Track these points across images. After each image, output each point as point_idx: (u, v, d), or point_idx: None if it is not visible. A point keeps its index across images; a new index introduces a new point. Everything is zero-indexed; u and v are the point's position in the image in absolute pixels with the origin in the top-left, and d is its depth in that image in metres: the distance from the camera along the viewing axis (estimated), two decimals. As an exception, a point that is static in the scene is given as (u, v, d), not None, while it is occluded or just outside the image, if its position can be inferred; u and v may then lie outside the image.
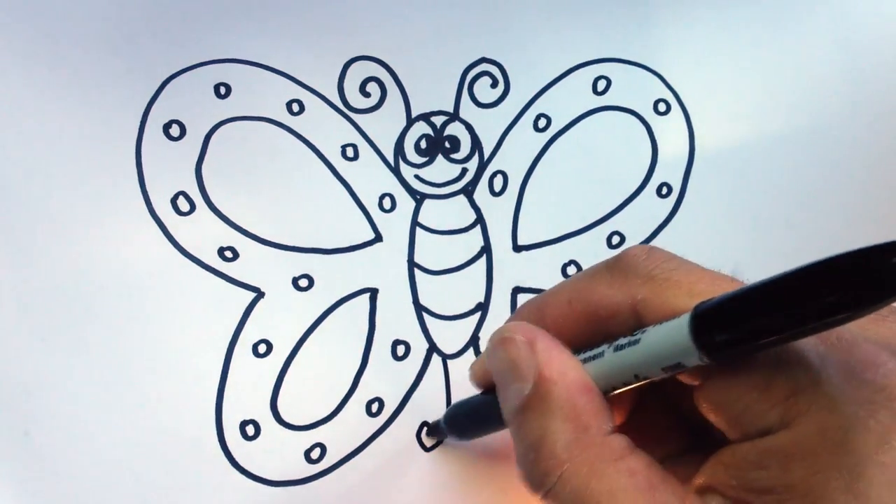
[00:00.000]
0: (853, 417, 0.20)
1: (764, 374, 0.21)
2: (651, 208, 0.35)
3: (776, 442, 0.21)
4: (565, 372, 0.23)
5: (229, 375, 0.32)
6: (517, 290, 0.34)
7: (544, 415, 0.22)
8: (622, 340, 0.22)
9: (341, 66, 0.35)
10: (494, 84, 0.36)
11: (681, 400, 0.25)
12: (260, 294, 0.33)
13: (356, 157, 0.35)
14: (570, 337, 0.24)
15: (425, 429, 0.32)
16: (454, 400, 0.32)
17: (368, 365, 0.32)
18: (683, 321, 0.20)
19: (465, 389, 0.32)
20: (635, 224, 0.35)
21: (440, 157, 0.35)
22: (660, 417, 0.26)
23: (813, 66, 0.36)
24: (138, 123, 0.33)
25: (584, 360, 0.23)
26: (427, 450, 0.32)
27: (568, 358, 0.23)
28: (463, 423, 0.29)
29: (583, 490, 0.22)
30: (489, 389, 0.27)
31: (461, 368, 0.33)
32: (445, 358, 0.33)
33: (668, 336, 0.21)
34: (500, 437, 0.32)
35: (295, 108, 0.35)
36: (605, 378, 0.22)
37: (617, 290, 0.24)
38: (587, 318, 0.24)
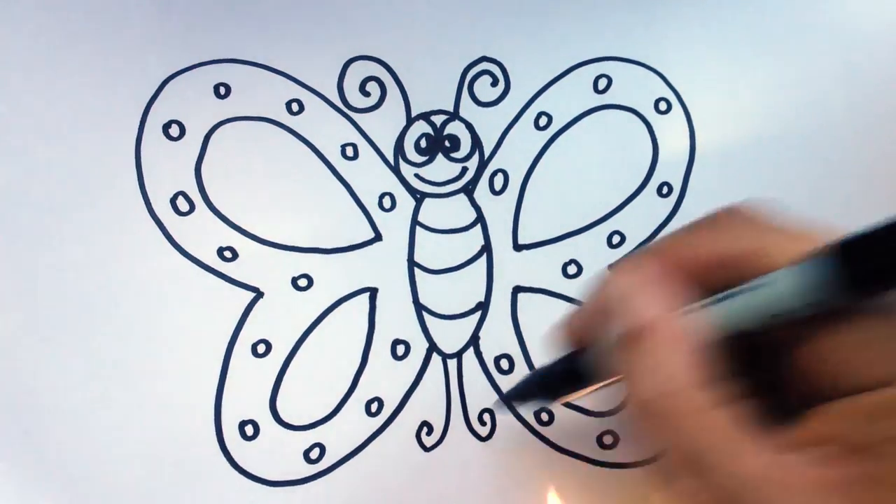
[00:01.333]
0: None
1: (888, 319, 0.21)
2: (652, 207, 0.34)
3: None
4: (677, 317, 0.23)
5: (228, 375, 0.32)
6: (517, 290, 0.34)
7: (651, 348, 0.22)
8: (754, 282, 0.22)
9: (341, 66, 0.35)
10: (495, 83, 0.36)
11: (775, 358, 0.25)
12: (259, 294, 0.33)
13: (356, 156, 0.34)
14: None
15: (496, 400, 0.32)
16: (454, 399, 0.32)
17: (368, 364, 0.32)
18: (826, 256, 0.20)
19: (466, 388, 0.32)
20: (636, 223, 0.34)
21: (440, 156, 0.35)
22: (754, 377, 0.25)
23: (813, 67, 0.35)
24: (138, 123, 0.33)
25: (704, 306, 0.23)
26: (427, 450, 0.32)
27: (682, 303, 0.23)
28: (545, 378, 0.28)
29: (686, 430, 0.22)
30: (577, 348, 0.27)
31: (461, 368, 0.33)
32: (445, 357, 0.33)
33: (809, 273, 0.20)
34: (501, 437, 0.32)
35: (294, 107, 0.34)
36: (728, 321, 0.22)
37: (724, 241, 0.24)
38: (695, 271, 0.24)
